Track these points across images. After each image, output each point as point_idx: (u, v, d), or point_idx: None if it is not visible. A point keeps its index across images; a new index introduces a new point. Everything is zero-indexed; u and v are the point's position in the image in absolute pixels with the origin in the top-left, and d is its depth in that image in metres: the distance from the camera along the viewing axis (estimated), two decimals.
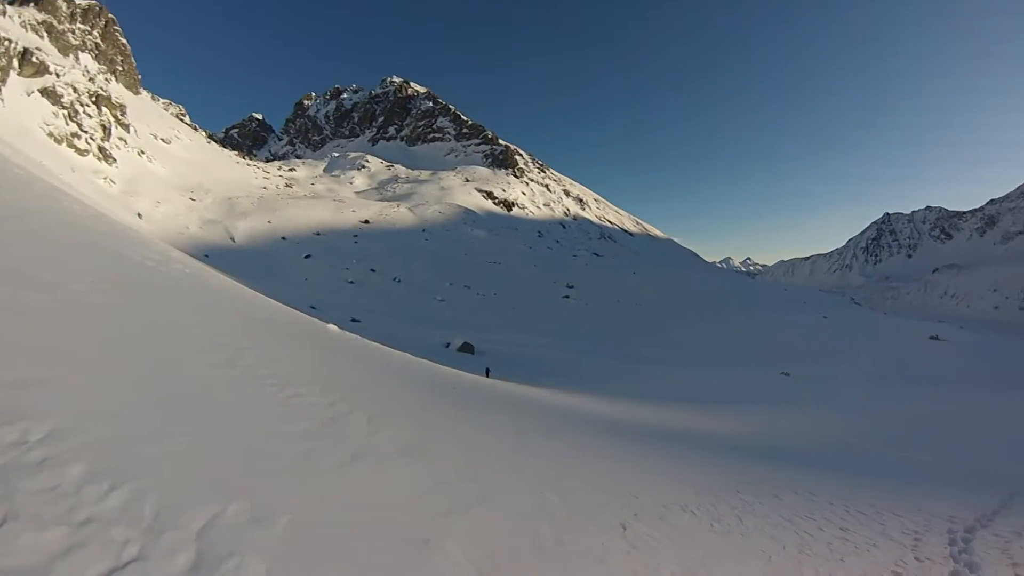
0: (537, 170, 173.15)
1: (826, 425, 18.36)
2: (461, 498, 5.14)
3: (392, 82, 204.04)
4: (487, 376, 22.55)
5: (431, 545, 4.13)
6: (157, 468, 3.61)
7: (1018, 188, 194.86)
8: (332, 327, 13.33)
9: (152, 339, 5.89)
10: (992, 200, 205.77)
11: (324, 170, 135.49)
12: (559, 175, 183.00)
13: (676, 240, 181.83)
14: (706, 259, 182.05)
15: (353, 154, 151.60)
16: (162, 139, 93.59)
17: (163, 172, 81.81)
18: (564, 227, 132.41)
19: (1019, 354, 49.16)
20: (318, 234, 77.33)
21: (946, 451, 15.36)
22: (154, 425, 4.13)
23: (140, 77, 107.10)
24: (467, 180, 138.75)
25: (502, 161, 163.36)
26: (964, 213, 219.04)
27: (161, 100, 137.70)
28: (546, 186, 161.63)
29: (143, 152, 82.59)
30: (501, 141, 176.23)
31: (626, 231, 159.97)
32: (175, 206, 72.02)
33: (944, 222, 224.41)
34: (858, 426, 18.54)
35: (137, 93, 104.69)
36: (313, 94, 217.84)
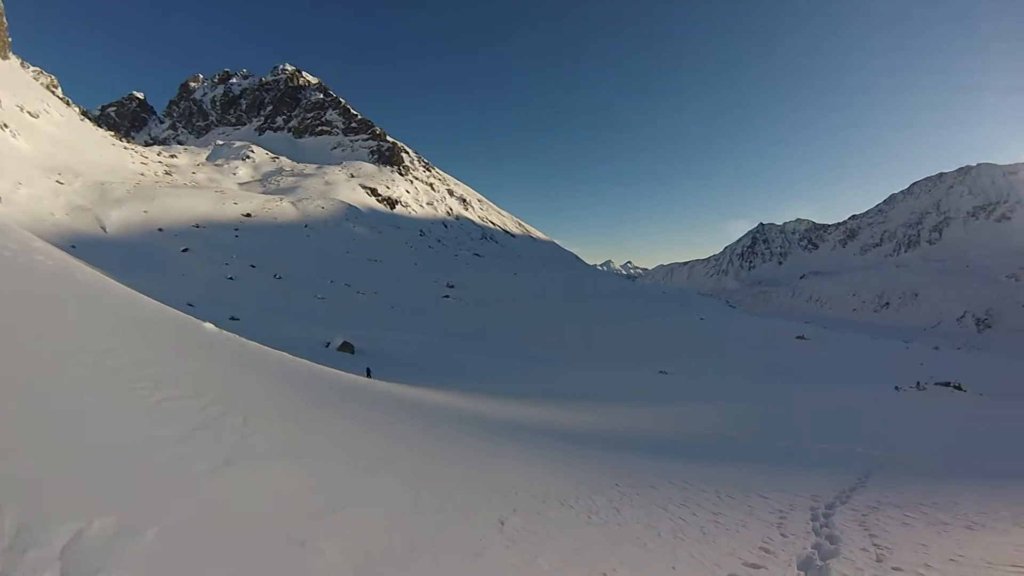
0: (422, 168, 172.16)
1: (700, 418, 19.16)
2: (338, 498, 5.09)
3: (284, 70, 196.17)
4: (368, 376, 21.98)
5: (307, 546, 4.00)
6: (15, 483, 3.32)
7: (876, 206, 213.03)
8: (209, 326, 12.53)
9: (6, 340, 5.36)
10: (853, 216, 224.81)
11: (207, 158, 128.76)
12: (444, 174, 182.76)
13: (558, 243, 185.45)
14: (587, 262, 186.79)
15: (238, 143, 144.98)
16: (29, 112, 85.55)
17: (27, 149, 74.79)
18: (446, 227, 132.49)
19: (872, 350, 53.71)
20: (198, 227, 72.98)
21: (810, 437, 16.41)
22: (10, 436, 3.80)
23: (11, 40, 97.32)
24: (352, 176, 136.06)
25: (388, 158, 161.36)
26: (829, 226, 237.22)
27: (31, 68, 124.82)
28: (430, 185, 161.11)
29: (6, 125, 75.20)
30: (389, 138, 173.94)
31: (508, 232, 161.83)
32: (39, 189, 65.90)
33: (812, 233, 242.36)
34: (730, 417, 19.46)
35: (6, 58, 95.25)
36: (200, 76, 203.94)
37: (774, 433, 16.92)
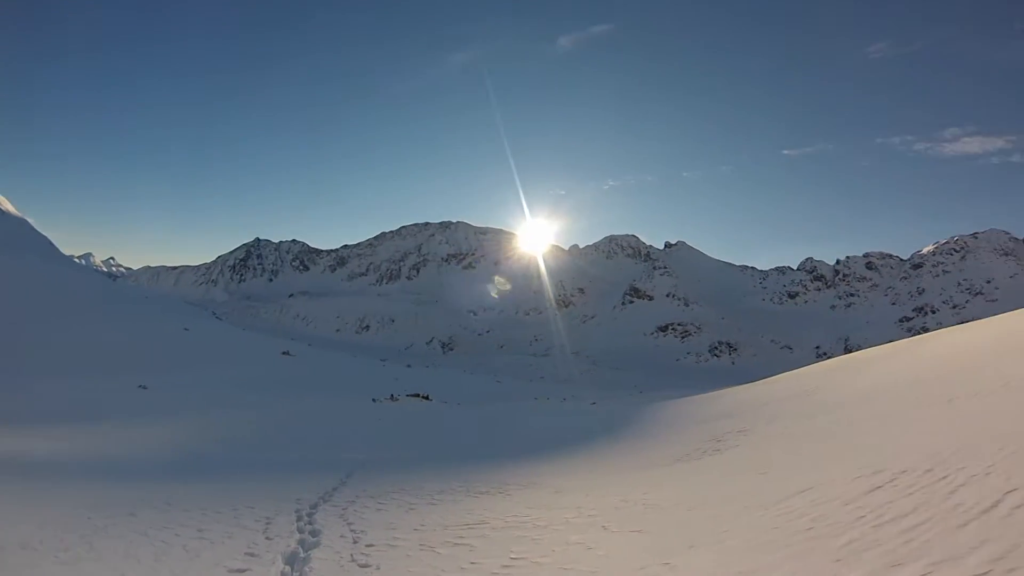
0: None
1: (184, 434, 18.12)
2: None
3: None
4: None
5: None
6: None
7: (367, 240, 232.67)
8: None
9: None
10: (346, 245, 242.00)
11: None
12: None
13: (31, 221, 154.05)
14: (63, 251, 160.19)
15: None
16: None
17: None
18: None
19: (354, 366, 58.46)
20: None
21: (296, 447, 17.17)
22: None
23: None
24: None
25: None
26: (322, 251, 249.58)
27: None
28: None
29: None
30: None
31: None
32: None
33: (305, 255, 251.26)
34: (214, 433, 18.92)
35: None
36: None
37: (261, 446, 17.16)
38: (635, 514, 8.19)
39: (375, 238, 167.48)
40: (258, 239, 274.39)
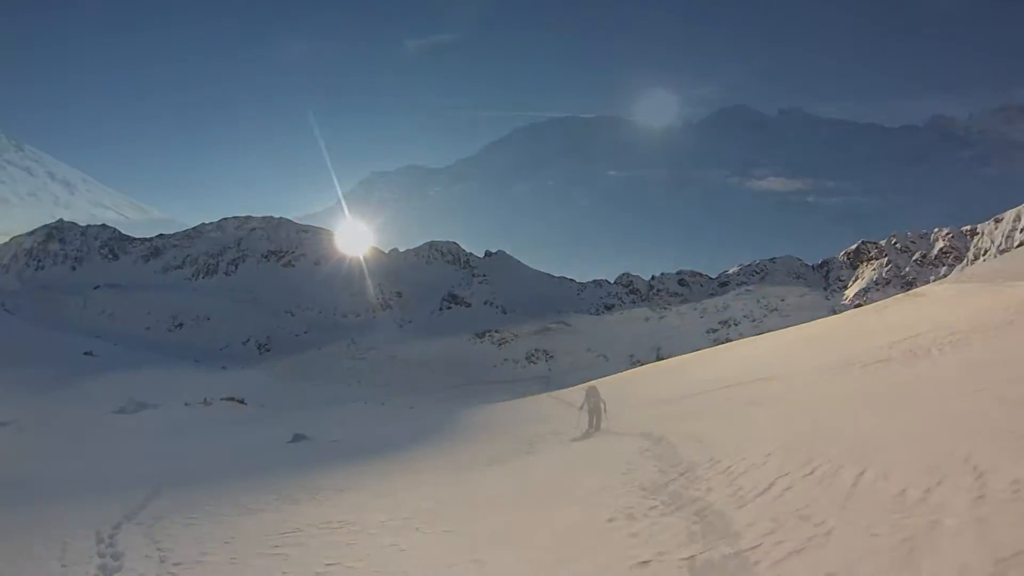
0: None
1: None
2: None
3: None
4: None
5: None
6: None
7: (185, 231, 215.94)
8: None
9: None
10: (161, 234, 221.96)
11: None
12: None
13: None
14: None
15: None
16: None
17: None
18: None
19: (162, 369, 54.83)
20: None
21: (99, 461, 16.43)
22: None
23: None
24: None
25: None
26: (135, 239, 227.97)
27: None
28: None
29: None
30: None
31: None
32: None
33: (115, 243, 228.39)
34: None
35: None
36: None
37: (51, 461, 16.44)
38: (448, 514, 8.36)
39: (194, 228, 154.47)
40: (62, 220, 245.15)
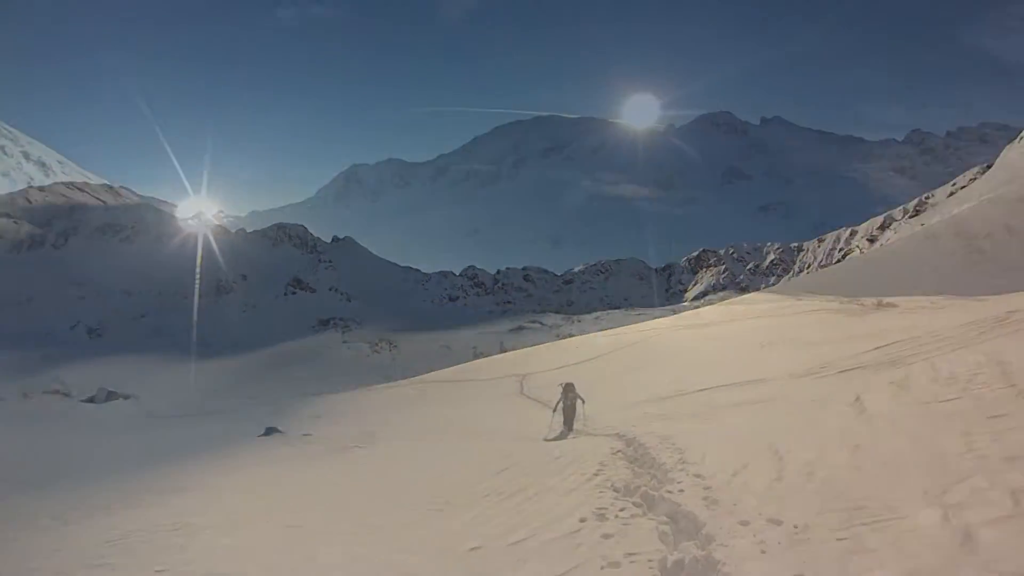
0: None
1: None
2: None
3: None
4: None
5: None
6: None
7: (8, 193, 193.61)
8: None
9: None
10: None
11: None
12: None
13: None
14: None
15: None
16: None
17: None
18: None
19: None
20: None
21: None
22: None
23: None
24: None
25: None
26: None
27: None
28: None
29: None
30: None
31: None
32: None
33: None
34: None
35: None
36: None
37: None
38: (286, 509, 8.30)
39: (18, 192, 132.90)
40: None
